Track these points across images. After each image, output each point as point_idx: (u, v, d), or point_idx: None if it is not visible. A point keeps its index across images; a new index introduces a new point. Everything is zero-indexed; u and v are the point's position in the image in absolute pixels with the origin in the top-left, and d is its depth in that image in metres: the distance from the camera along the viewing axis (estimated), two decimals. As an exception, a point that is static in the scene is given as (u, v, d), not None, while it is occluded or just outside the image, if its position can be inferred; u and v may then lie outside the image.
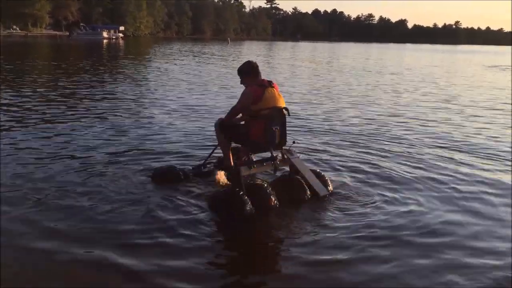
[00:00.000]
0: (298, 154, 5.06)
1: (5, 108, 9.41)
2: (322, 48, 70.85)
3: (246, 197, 4.37)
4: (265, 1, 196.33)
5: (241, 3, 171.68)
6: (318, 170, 5.21)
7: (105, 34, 75.68)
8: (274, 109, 4.76)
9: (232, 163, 5.08)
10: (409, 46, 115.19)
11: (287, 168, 5.10)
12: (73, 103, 10.49)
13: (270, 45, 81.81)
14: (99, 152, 6.35)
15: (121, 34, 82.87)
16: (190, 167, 5.54)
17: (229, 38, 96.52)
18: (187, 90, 13.62)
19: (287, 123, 4.93)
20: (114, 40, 72.68)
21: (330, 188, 4.97)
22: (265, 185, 4.68)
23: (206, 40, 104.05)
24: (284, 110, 4.86)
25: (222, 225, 4.25)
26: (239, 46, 67.02)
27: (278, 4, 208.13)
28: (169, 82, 15.73)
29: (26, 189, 4.82)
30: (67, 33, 79.49)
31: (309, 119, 9.43)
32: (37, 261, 3.45)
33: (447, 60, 43.75)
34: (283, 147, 5.00)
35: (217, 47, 55.01)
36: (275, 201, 4.55)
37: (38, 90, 12.34)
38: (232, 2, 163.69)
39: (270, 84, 4.86)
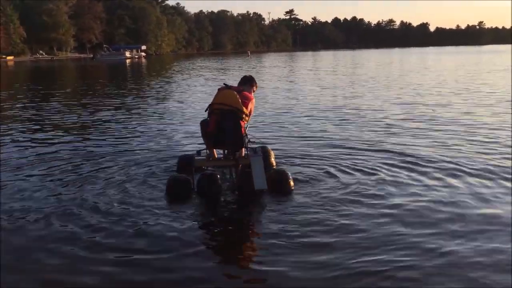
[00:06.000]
0: (260, 154, 5.23)
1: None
2: (343, 57, 70.32)
3: (185, 181, 5.02)
4: (284, 13, 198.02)
5: (260, 15, 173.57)
6: (283, 170, 5.34)
7: (127, 54, 77.15)
8: (224, 109, 5.08)
9: (216, 156, 5.56)
10: (431, 49, 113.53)
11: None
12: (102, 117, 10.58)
13: (290, 56, 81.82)
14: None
15: (143, 53, 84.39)
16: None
17: (249, 51, 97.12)
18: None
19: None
20: (136, 59, 74.06)
21: (291, 186, 5.07)
22: (218, 175, 5.23)
23: (227, 54, 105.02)
24: (237, 111, 5.09)
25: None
26: (259, 58, 67.24)
27: (297, 14, 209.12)
28: (188, 98, 15.76)
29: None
30: (91, 55, 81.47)
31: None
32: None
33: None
34: (249, 146, 5.38)
35: (238, 61, 55.27)
36: (219, 189, 5.08)
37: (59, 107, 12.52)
38: (251, 15, 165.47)
39: (238, 90, 5.27)
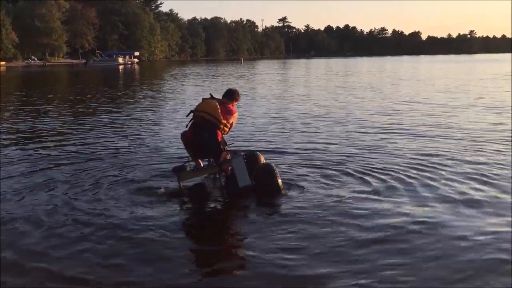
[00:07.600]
0: (242, 153, 5.48)
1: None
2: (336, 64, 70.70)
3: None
4: (278, 20, 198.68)
5: (254, 23, 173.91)
6: (274, 171, 5.40)
7: (120, 60, 76.92)
8: (204, 117, 5.35)
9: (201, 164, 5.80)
10: (424, 58, 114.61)
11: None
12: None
13: (283, 63, 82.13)
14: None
15: (136, 60, 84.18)
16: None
17: (242, 58, 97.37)
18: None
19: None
20: (129, 65, 73.86)
21: (281, 187, 5.31)
22: (206, 184, 5.50)
23: (220, 61, 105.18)
24: (215, 120, 5.34)
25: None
26: (252, 65, 67.43)
27: (290, 22, 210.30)
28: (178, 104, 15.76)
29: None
30: (84, 61, 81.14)
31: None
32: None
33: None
34: (230, 149, 5.68)
35: (231, 68, 55.38)
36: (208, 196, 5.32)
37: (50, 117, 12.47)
38: (244, 22, 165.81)
39: (221, 102, 5.55)
